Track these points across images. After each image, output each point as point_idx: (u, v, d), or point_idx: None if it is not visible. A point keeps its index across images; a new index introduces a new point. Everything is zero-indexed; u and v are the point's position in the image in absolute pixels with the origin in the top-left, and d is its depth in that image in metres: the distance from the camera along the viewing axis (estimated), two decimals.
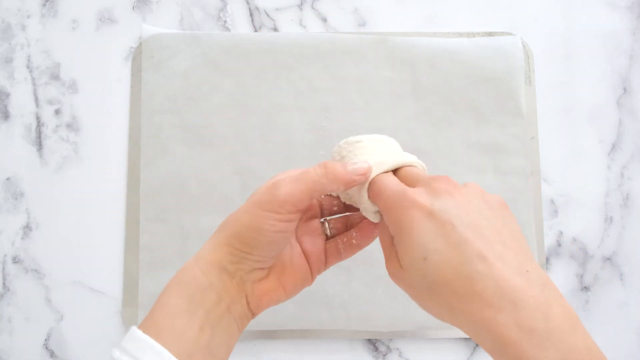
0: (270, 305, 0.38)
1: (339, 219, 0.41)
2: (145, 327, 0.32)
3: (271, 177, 0.36)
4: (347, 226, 0.41)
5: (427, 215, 0.30)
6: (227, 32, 0.59)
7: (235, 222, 0.35)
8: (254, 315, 0.37)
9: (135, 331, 0.32)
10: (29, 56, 0.59)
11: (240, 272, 0.35)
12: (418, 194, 0.31)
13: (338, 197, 0.40)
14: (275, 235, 0.34)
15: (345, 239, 0.40)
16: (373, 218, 0.36)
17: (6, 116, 0.58)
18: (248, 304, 0.36)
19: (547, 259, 0.56)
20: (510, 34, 0.59)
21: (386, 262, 0.34)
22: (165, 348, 0.31)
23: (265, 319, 0.53)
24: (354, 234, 0.40)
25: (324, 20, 0.60)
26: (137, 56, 0.58)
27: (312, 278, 0.39)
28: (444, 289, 0.29)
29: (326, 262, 0.40)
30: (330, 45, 0.57)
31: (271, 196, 0.33)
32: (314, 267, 0.39)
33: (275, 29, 0.60)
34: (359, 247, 0.40)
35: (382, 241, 0.35)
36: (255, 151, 0.56)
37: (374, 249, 0.54)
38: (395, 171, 0.36)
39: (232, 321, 0.35)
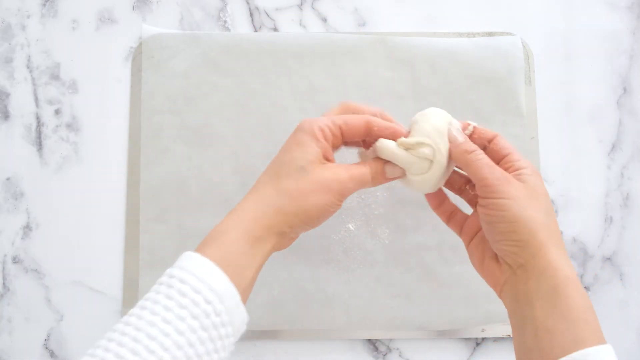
0: None
1: None
2: (213, 258, 0.36)
3: (304, 123, 0.41)
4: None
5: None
6: (227, 32, 0.59)
7: (306, 203, 0.39)
8: None
9: (201, 258, 0.35)
10: (29, 56, 0.59)
11: (292, 234, 0.41)
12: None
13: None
14: (335, 212, 0.41)
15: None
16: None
17: (6, 116, 0.58)
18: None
19: None
20: (510, 34, 0.59)
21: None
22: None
23: (266, 319, 0.53)
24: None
25: (324, 20, 0.60)
26: (137, 56, 0.58)
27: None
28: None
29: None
30: (330, 45, 0.57)
31: (345, 189, 0.40)
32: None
33: (275, 29, 0.60)
34: None
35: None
36: (255, 151, 0.56)
37: (375, 249, 0.55)
38: None
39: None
